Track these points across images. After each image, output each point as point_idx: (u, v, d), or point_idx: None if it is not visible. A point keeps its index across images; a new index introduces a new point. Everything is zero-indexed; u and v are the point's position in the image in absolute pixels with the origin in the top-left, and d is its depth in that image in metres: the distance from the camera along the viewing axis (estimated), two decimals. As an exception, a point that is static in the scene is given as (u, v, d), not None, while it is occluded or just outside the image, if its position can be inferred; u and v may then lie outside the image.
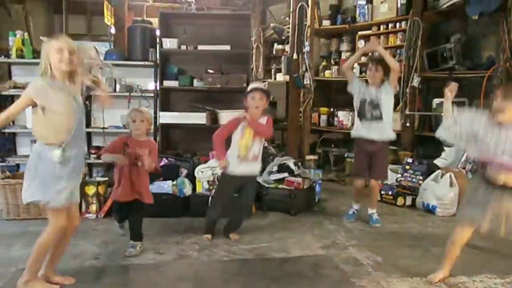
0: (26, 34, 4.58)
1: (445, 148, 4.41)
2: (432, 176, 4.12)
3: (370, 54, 4.68)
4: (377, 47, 3.69)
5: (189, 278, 2.41)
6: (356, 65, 5.24)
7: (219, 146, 3.05)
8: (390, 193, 4.27)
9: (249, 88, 3.14)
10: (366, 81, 3.57)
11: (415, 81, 4.93)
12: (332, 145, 6.00)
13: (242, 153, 3.00)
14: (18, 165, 4.60)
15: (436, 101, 4.98)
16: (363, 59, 4.99)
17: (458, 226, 2.44)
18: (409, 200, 4.21)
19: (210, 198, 3.62)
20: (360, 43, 5.63)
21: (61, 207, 2.16)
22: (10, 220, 3.42)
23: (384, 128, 3.46)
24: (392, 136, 3.55)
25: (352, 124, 5.62)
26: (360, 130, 3.54)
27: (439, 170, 4.12)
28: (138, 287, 2.30)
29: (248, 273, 2.51)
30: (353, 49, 5.86)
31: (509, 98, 2.17)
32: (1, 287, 2.26)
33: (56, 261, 2.34)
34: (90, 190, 3.64)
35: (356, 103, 3.56)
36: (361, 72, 5.44)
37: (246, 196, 3.18)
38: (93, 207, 3.63)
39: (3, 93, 4.39)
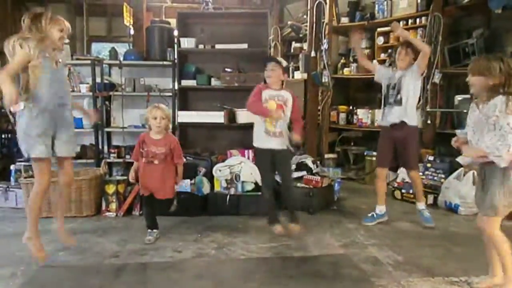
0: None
1: (468, 145, 4.29)
2: (455, 174, 4.02)
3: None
4: (400, 32, 3.55)
5: (207, 276, 2.42)
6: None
7: (257, 106, 3.07)
8: (411, 191, 4.18)
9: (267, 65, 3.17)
10: (393, 65, 3.51)
11: (436, 78, 4.81)
12: (352, 143, 5.92)
13: (269, 127, 3.08)
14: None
15: (458, 97, 4.86)
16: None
17: None
18: (430, 199, 4.11)
19: (228, 196, 3.64)
20: (379, 40, 5.54)
21: (41, 157, 2.43)
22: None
23: (406, 112, 3.35)
24: (413, 122, 3.40)
25: (372, 122, 5.57)
26: (383, 116, 3.49)
27: (461, 168, 4.02)
28: (156, 285, 2.31)
29: (266, 272, 2.49)
30: (372, 46, 5.77)
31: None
32: (25, 283, 2.31)
33: (62, 215, 2.72)
34: (110, 188, 3.70)
35: (383, 90, 3.52)
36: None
37: (284, 175, 3.22)
38: (113, 206, 3.69)
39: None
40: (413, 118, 3.41)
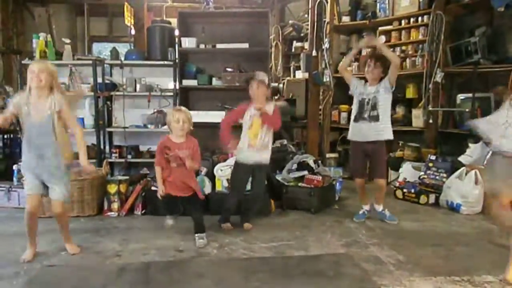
0: (49, 36, 4.67)
1: (470, 144, 4.29)
2: (457, 173, 4.01)
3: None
4: (375, 42, 3.69)
5: (208, 275, 2.42)
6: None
7: (225, 131, 3.22)
8: (412, 191, 4.19)
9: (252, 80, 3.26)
10: (366, 79, 3.49)
11: (438, 77, 4.80)
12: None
13: (252, 141, 3.19)
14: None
15: (460, 96, 4.85)
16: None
17: None
18: (432, 198, 4.12)
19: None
20: (381, 39, 5.52)
21: (27, 193, 2.61)
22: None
23: (382, 128, 3.39)
24: (390, 136, 3.44)
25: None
26: (356, 133, 3.48)
27: (463, 168, 4.01)
28: (159, 285, 2.31)
29: (267, 271, 2.49)
30: (373, 45, 5.76)
31: None
32: (28, 282, 2.32)
33: (63, 232, 2.81)
34: (112, 188, 3.71)
35: (355, 104, 3.51)
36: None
37: (257, 184, 3.33)
38: (115, 205, 3.69)
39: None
40: (388, 132, 3.43)
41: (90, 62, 4.51)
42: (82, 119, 4.61)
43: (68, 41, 4.78)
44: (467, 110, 4.66)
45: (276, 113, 3.27)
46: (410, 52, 5.31)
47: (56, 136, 2.58)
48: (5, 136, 5.33)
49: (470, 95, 4.66)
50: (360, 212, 3.61)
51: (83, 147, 2.71)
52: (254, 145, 3.21)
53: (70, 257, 2.71)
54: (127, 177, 3.96)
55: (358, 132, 3.46)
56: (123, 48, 5.24)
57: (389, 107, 3.46)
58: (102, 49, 8.02)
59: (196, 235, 2.98)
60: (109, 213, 3.68)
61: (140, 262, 2.63)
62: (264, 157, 3.26)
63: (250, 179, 3.35)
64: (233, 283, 2.32)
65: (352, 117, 3.53)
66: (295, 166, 4.01)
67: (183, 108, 3.08)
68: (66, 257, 2.72)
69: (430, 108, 4.91)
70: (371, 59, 3.43)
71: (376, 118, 3.36)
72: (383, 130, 3.39)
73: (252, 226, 3.34)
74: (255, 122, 3.21)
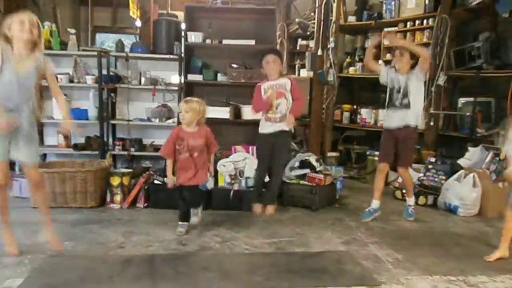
0: (54, 25, 4.66)
1: (469, 148, 4.35)
2: (455, 176, 4.06)
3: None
4: (398, 42, 3.73)
5: (213, 268, 2.46)
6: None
7: (260, 104, 3.33)
8: (411, 192, 4.23)
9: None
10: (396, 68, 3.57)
11: (441, 80, 4.85)
12: (354, 143, 5.96)
13: (269, 114, 3.28)
14: (45, 155, 4.75)
15: (461, 100, 4.90)
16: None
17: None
18: (430, 200, 4.17)
19: (232, 192, 3.68)
20: (386, 40, 5.56)
21: None
22: (36, 208, 3.53)
23: (414, 115, 3.45)
24: (419, 123, 3.53)
25: (375, 122, 5.60)
26: (389, 118, 3.56)
27: (462, 170, 4.06)
28: (164, 276, 2.34)
29: (270, 266, 2.53)
30: (378, 46, 5.78)
31: None
32: (33, 271, 2.35)
33: (44, 212, 2.68)
34: (115, 181, 3.73)
35: (388, 92, 3.58)
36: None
37: (277, 158, 3.37)
38: (118, 198, 3.72)
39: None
40: (418, 120, 3.52)
41: (95, 53, 4.52)
42: (86, 110, 4.63)
43: (73, 31, 4.77)
44: (468, 113, 4.71)
45: (297, 91, 3.33)
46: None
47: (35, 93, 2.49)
48: None
49: (471, 99, 4.71)
50: (366, 210, 3.61)
51: (66, 108, 2.70)
52: (273, 117, 3.29)
53: (74, 248, 2.74)
54: (130, 170, 3.99)
55: (390, 119, 3.54)
56: (127, 40, 5.24)
57: (420, 95, 3.53)
58: (105, 40, 8.01)
59: (180, 222, 3.07)
60: (111, 205, 3.71)
61: (144, 254, 2.67)
62: (284, 128, 3.31)
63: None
64: (237, 277, 2.36)
65: (386, 104, 3.61)
66: (297, 164, 4.05)
67: (191, 99, 3.07)
68: (69, 247, 2.74)
69: (432, 111, 4.96)
70: (397, 47, 3.57)
71: (407, 106, 3.43)
72: (413, 118, 3.45)
73: (273, 211, 3.36)
74: (270, 93, 3.27)
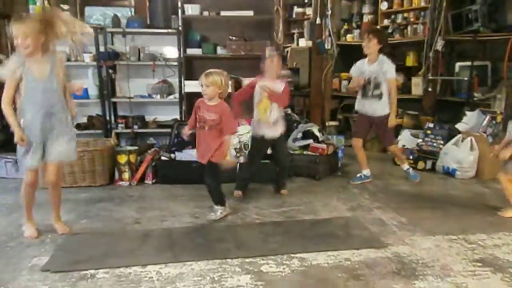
0: (46, 2, 4.55)
1: (466, 112, 4.43)
2: (453, 140, 4.17)
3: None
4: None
5: (228, 239, 2.57)
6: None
7: (236, 107, 3.26)
8: (411, 157, 4.34)
9: (266, 53, 3.36)
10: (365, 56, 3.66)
11: (439, 45, 4.86)
12: (353, 111, 6.00)
13: (262, 116, 3.24)
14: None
15: (459, 64, 4.93)
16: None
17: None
18: (429, 164, 4.29)
19: (238, 164, 3.76)
20: (383, 5, 5.52)
21: (28, 168, 2.47)
22: (46, 188, 3.59)
23: (385, 105, 3.63)
24: (388, 111, 3.67)
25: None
26: (362, 105, 3.74)
27: (460, 134, 4.17)
28: (184, 248, 2.43)
29: (283, 234, 2.65)
30: (375, 12, 5.74)
31: None
32: (57, 248, 2.43)
33: (55, 208, 2.70)
34: (122, 158, 3.78)
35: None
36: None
37: (281, 156, 3.48)
38: (126, 175, 3.79)
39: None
40: (389, 108, 3.66)
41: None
42: (86, 89, 4.61)
43: (66, 7, 4.67)
44: (465, 78, 4.77)
45: (286, 92, 3.29)
46: (412, 19, 5.32)
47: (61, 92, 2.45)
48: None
49: (468, 63, 4.75)
50: (358, 175, 3.86)
51: (73, 111, 2.61)
52: (265, 121, 3.25)
53: (91, 225, 2.82)
54: (136, 147, 4.04)
55: (363, 107, 3.74)
56: (119, 14, 5.08)
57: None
58: (94, 14, 7.74)
59: (215, 207, 2.96)
60: (120, 183, 3.78)
61: (161, 228, 2.77)
62: (279, 131, 3.34)
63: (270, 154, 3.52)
64: (253, 246, 2.47)
65: (359, 92, 3.74)
66: (300, 135, 4.12)
67: (212, 71, 2.83)
68: (87, 225, 2.82)
69: (430, 77, 5.01)
70: (365, 33, 3.68)
71: (380, 96, 3.61)
72: (387, 106, 3.63)
73: (287, 192, 3.52)
74: (264, 98, 3.24)
